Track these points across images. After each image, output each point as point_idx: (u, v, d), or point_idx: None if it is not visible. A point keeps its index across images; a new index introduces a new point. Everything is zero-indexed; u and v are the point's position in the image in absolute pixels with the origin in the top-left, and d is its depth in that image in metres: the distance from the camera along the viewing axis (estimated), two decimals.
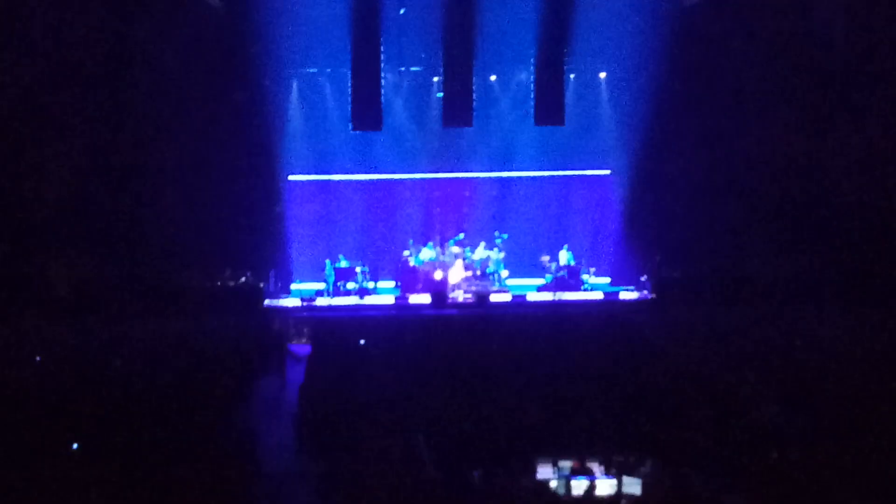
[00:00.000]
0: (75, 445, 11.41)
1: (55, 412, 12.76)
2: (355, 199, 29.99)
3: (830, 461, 10.70)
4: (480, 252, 27.94)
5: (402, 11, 27.83)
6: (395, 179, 30.15)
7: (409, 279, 27.47)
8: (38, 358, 17.38)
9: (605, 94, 29.84)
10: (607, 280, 29.03)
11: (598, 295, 27.20)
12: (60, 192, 25.37)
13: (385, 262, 28.84)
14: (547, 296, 27.04)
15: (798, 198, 26.41)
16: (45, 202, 25.02)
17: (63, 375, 15.64)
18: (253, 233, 27.72)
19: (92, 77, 25.47)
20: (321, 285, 27.53)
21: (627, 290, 27.46)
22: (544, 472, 10.99)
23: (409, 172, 30.10)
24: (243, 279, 26.76)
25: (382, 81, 27.92)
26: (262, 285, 26.59)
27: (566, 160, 30.11)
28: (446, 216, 29.83)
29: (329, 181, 29.99)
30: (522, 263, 28.67)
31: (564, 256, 28.06)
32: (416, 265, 27.64)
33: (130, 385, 14.80)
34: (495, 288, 27.30)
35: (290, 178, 29.55)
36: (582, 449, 11.44)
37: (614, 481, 10.71)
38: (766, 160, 26.91)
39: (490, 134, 29.84)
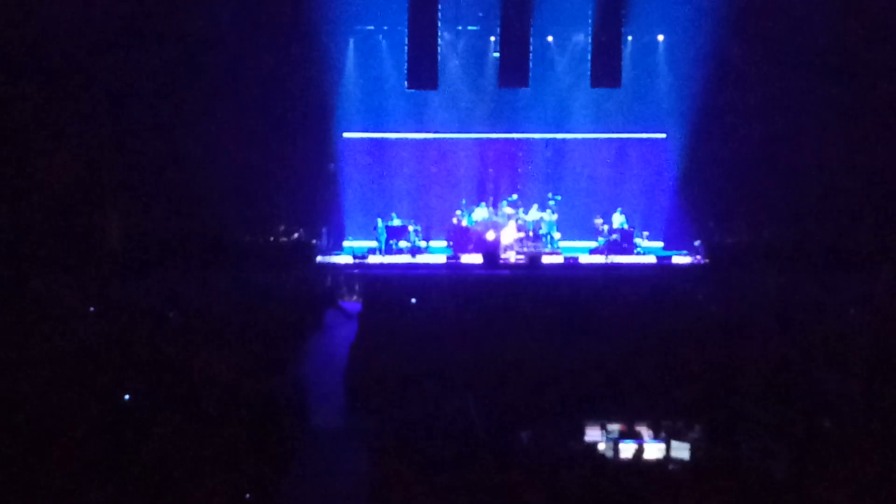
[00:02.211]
0: (127, 396, 11.51)
1: (109, 363, 12.90)
2: (409, 158, 30.08)
3: (883, 431, 10.63)
4: (533, 213, 27.92)
5: None
6: (450, 139, 30.13)
7: (461, 239, 27.51)
8: (91, 309, 17.57)
9: (662, 58, 29.59)
10: (660, 244, 28.92)
11: (650, 259, 27.12)
12: (116, 147, 25.56)
13: (438, 222, 28.89)
14: (599, 259, 26.98)
15: (855, 166, 26.16)
16: (100, 157, 25.21)
17: (117, 328, 15.76)
18: (307, 189, 27.89)
19: (151, 31, 25.59)
20: (373, 243, 27.61)
21: (680, 254, 27.36)
22: (593, 434, 11.00)
23: (463, 132, 30.05)
24: (296, 235, 26.94)
25: (439, 40, 27.91)
26: (314, 242, 26.75)
27: (621, 123, 29.99)
28: (500, 177, 29.83)
29: (383, 139, 30.02)
30: (575, 225, 28.62)
31: (618, 219, 27.97)
32: (469, 225, 27.68)
33: (183, 338, 14.92)
34: (548, 250, 27.29)
35: (345, 135, 29.59)
36: (631, 412, 11.43)
37: (663, 445, 10.70)
38: (823, 127, 26.65)
39: (546, 95, 29.70)
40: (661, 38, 29.49)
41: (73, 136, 24.85)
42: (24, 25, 23.67)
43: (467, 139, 30.14)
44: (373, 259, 26.71)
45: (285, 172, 27.40)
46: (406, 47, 28.00)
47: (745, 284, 21.79)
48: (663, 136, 30.03)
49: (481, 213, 27.97)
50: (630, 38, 29.03)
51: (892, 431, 10.58)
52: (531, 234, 27.59)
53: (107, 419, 10.66)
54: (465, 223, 27.73)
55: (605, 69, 28.13)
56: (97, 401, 11.21)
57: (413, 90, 28.57)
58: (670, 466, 10.45)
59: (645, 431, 11.11)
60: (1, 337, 14.26)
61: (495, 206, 28.24)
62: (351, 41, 29.30)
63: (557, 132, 30.04)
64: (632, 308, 18.32)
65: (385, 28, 29.07)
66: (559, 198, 28.25)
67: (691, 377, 13.19)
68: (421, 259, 26.89)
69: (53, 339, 14.44)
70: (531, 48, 28.09)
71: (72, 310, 17.51)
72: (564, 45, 29.49)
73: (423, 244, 27.72)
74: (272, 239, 26.77)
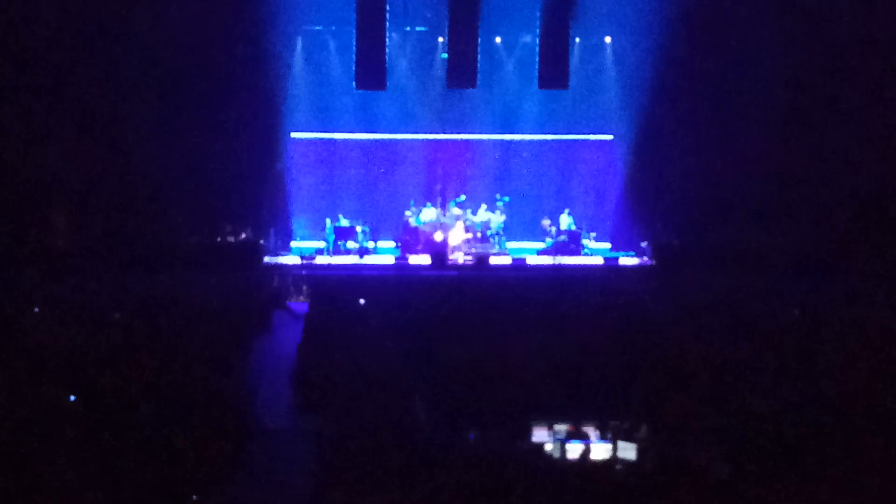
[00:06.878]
0: (72, 398, 11.40)
1: (53, 364, 12.76)
2: (357, 158, 29.98)
3: (827, 431, 10.70)
4: (482, 214, 28.01)
5: None
6: (398, 139, 30.10)
7: (409, 240, 27.56)
8: (36, 309, 17.39)
9: (609, 59, 29.74)
10: (608, 245, 29.08)
11: (598, 260, 27.27)
12: (61, 147, 25.31)
13: (386, 222, 28.84)
14: (547, 260, 27.09)
15: (805, 168, 26.36)
16: (46, 157, 24.97)
17: (62, 327, 15.62)
18: (254, 190, 27.77)
19: (94, 31, 25.38)
20: (321, 244, 27.55)
21: (627, 255, 27.56)
22: (540, 435, 10.99)
23: (411, 133, 30.03)
24: (243, 236, 26.83)
25: (387, 41, 27.90)
26: (262, 242, 26.66)
27: (569, 124, 30.07)
28: (448, 177, 29.80)
29: (331, 140, 29.94)
30: (523, 227, 28.70)
31: (565, 221, 28.09)
32: (417, 226, 27.70)
33: (128, 339, 14.79)
34: (495, 250, 27.36)
35: (293, 135, 29.47)
36: (578, 413, 11.45)
37: (609, 446, 10.71)
38: (770, 130, 26.84)
39: (494, 96, 29.73)
40: (608, 39, 29.63)
41: (14, 133, 24.57)
42: None
43: (415, 140, 30.11)
44: (320, 260, 26.66)
45: (233, 173, 27.23)
46: (354, 47, 27.94)
47: (692, 285, 21.92)
48: (610, 137, 30.15)
49: (429, 213, 27.99)
50: (578, 39, 29.16)
51: (837, 432, 10.65)
52: (479, 235, 27.66)
53: (49, 420, 10.55)
54: (413, 224, 27.74)
55: (553, 71, 28.25)
56: (39, 402, 11.09)
57: (361, 90, 28.51)
58: (617, 467, 10.48)
59: (592, 432, 11.13)
60: None
61: (443, 206, 28.26)
62: (299, 41, 29.20)
63: (505, 133, 30.08)
64: (579, 309, 18.37)
65: (333, 28, 28.97)
66: (507, 199, 28.33)
67: (638, 377, 13.23)
68: (369, 260, 26.88)
69: None
70: (479, 49, 28.14)
71: (15, 310, 17.34)
72: (512, 46, 29.52)
73: (370, 245, 27.69)
74: (219, 239, 26.65)
